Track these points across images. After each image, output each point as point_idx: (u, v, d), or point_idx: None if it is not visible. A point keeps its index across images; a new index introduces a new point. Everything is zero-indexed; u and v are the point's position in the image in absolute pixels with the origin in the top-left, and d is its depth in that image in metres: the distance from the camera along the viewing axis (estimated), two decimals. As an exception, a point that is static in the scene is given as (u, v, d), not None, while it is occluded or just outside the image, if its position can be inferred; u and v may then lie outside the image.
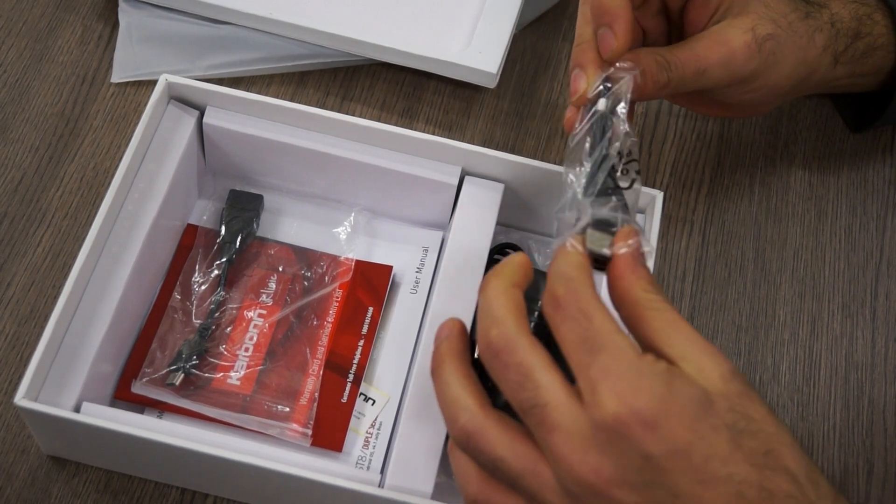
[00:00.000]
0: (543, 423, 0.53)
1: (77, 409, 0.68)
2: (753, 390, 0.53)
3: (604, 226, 0.58)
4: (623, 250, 0.56)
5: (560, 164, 0.78)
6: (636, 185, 0.62)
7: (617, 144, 0.63)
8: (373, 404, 0.75)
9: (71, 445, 0.71)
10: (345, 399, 0.74)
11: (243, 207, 0.80)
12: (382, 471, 0.70)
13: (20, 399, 0.65)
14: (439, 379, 0.59)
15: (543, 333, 0.71)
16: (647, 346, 0.54)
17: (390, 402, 0.75)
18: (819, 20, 0.79)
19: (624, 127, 0.65)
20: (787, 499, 0.51)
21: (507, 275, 0.58)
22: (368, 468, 0.72)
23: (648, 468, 0.51)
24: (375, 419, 0.74)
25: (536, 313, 0.71)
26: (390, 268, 0.79)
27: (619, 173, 0.62)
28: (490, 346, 0.56)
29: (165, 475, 0.72)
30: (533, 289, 0.72)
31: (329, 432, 0.72)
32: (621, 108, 0.66)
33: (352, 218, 0.81)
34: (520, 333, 0.56)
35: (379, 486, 0.66)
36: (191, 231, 0.79)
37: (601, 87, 0.68)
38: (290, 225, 0.81)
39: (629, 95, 0.67)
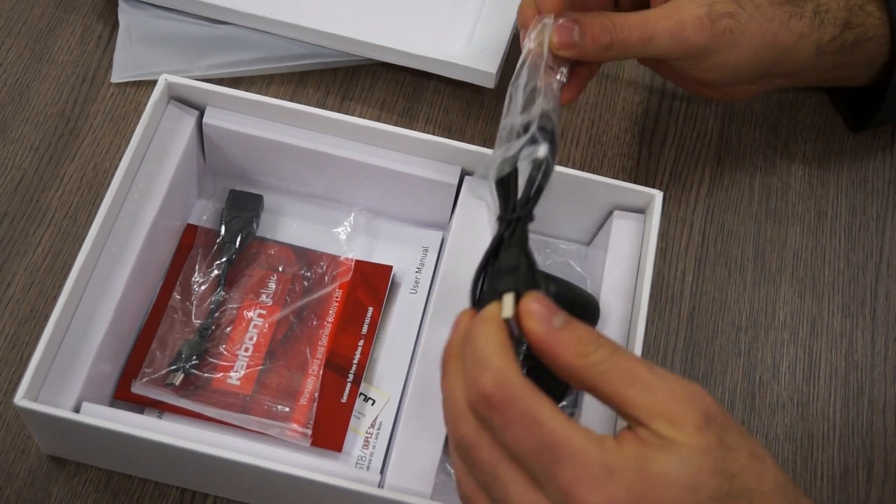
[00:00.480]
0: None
1: (77, 410, 0.68)
2: (731, 430, 0.51)
3: (507, 277, 0.55)
4: (534, 326, 0.52)
5: (559, 165, 0.78)
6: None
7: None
8: (373, 404, 0.75)
9: (71, 445, 0.71)
10: (345, 399, 0.74)
11: (243, 207, 0.80)
12: (382, 471, 0.70)
13: (20, 399, 0.65)
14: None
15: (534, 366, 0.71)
16: (614, 407, 0.52)
17: (390, 402, 0.75)
18: (801, 8, 0.79)
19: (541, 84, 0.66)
20: None
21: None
22: (368, 468, 0.72)
23: None
24: (375, 419, 0.74)
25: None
26: (390, 268, 0.79)
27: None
28: (460, 438, 0.52)
29: (165, 475, 0.72)
30: (531, 289, 0.72)
31: (329, 432, 0.72)
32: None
33: (351, 218, 0.81)
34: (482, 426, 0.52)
35: (379, 486, 0.66)
36: (191, 231, 0.79)
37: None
38: (290, 225, 0.81)
39: (546, 46, 0.70)
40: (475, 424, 0.52)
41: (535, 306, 0.53)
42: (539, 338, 0.52)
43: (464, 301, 0.73)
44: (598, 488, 0.48)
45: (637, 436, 0.50)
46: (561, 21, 0.72)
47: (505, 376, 0.51)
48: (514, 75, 0.69)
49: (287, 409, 0.73)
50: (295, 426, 0.72)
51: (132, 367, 0.73)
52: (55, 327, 0.68)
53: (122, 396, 0.73)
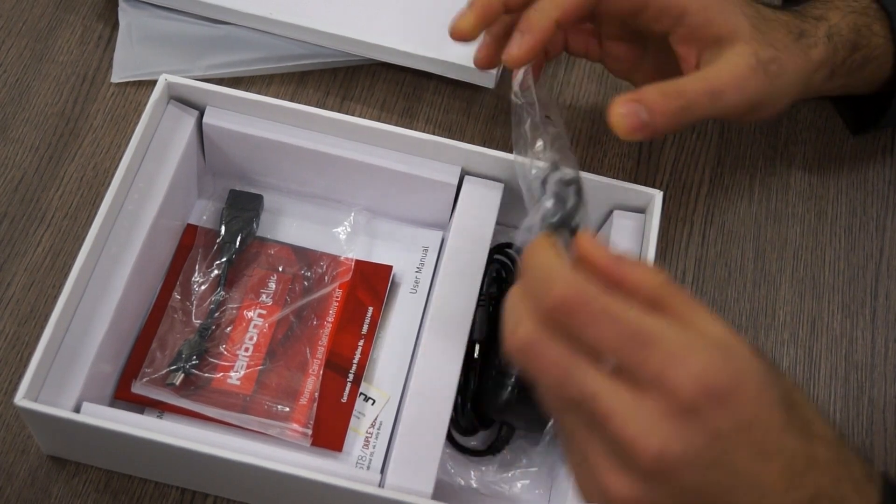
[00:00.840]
0: (596, 413, 0.51)
1: (77, 410, 0.68)
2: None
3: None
4: (599, 253, 0.53)
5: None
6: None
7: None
8: (373, 404, 0.75)
9: (71, 445, 0.71)
10: (345, 399, 0.74)
11: (243, 207, 0.80)
12: (382, 470, 0.70)
13: (20, 399, 0.65)
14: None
15: None
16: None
17: (390, 402, 0.75)
18: (814, 37, 0.79)
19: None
20: (829, 464, 0.53)
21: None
22: (368, 468, 0.72)
23: (716, 446, 0.50)
24: (375, 419, 0.74)
25: None
26: (390, 268, 0.79)
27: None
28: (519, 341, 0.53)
29: (165, 475, 0.72)
30: None
31: (329, 432, 0.72)
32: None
33: (351, 218, 0.81)
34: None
35: (379, 485, 0.66)
36: (190, 231, 0.79)
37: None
38: (290, 225, 0.81)
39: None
40: (541, 333, 0.52)
41: (591, 240, 0.54)
42: (608, 265, 0.53)
43: (464, 300, 0.73)
44: (691, 361, 0.50)
45: None
46: (622, 104, 0.71)
47: (577, 280, 0.51)
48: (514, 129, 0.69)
49: (287, 409, 0.73)
50: (295, 426, 0.72)
51: (132, 367, 0.73)
52: (55, 327, 0.68)
53: (123, 396, 0.73)
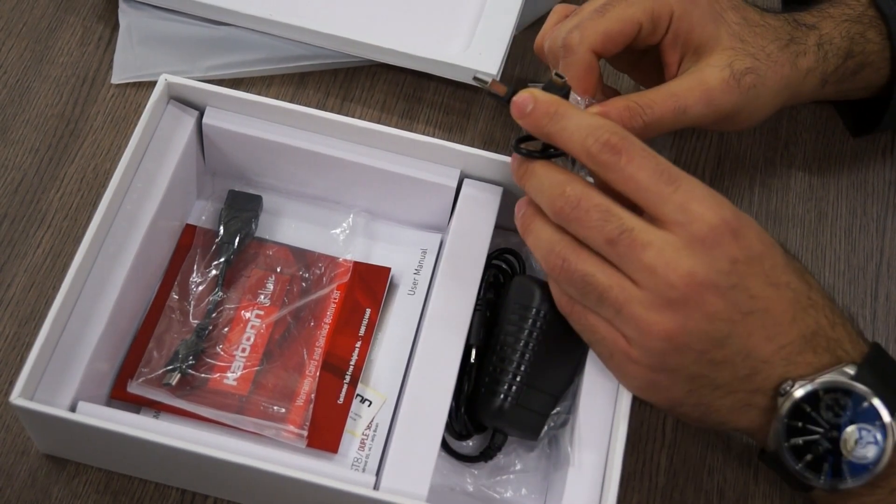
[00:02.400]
0: (634, 244, 0.62)
1: (73, 409, 0.68)
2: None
3: None
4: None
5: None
6: None
7: None
8: (369, 405, 0.75)
9: (67, 445, 0.71)
10: (341, 400, 0.74)
11: (242, 208, 0.80)
12: (378, 472, 0.70)
13: (15, 398, 0.65)
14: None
15: (547, 337, 0.71)
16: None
17: (387, 404, 0.75)
18: (804, 44, 0.79)
19: None
20: (825, 308, 0.65)
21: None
22: (364, 470, 0.72)
23: (734, 272, 0.61)
24: (372, 420, 0.74)
25: (531, 320, 0.71)
26: (388, 270, 0.79)
27: None
28: (568, 199, 0.64)
29: (161, 475, 0.72)
30: (527, 296, 0.72)
31: (325, 433, 0.72)
32: None
33: (350, 219, 0.81)
34: (588, 185, 0.65)
35: (374, 488, 0.66)
36: (189, 231, 0.79)
37: None
38: (289, 226, 0.81)
39: None
40: (582, 183, 0.65)
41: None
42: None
43: (462, 302, 0.73)
44: (709, 199, 0.63)
45: None
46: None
47: (621, 130, 0.64)
48: None
49: (283, 410, 0.73)
50: (291, 427, 0.72)
51: (129, 366, 0.74)
52: (52, 326, 0.68)
53: (119, 396, 0.73)
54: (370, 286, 0.78)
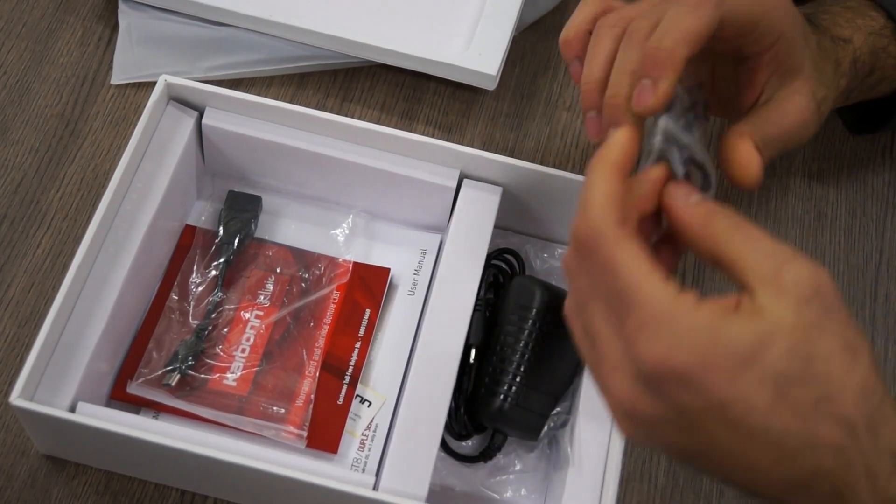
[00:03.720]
0: (593, 349, 0.54)
1: (72, 409, 0.68)
2: (836, 314, 0.51)
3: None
4: (673, 202, 0.55)
5: (558, 167, 0.78)
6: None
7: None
8: (369, 406, 0.75)
9: (66, 445, 0.72)
10: (340, 401, 0.74)
11: (242, 208, 0.80)
12: (377, 473, 0.70)
13: (15, 398, 0.65)
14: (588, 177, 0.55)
15: (546, 337, 0.71)
16: (730, 273, 0.52)
17: (386, 404, 0.75)
18: (844, 65, 0.76)
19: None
20: (836, 450, 0.50)
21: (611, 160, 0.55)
22: (364, 470, 0.72)
23: (684, 418, 0.51)
24: (371, 421, 0.74)
25: (531, 321, 0.71)
26: (388, 270, 0.79)
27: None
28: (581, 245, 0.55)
29: (160, 476, 0.72)
30: (527, 296, 0.72)
31: (324, 434, 0.72)
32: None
33: (350, 220, 0.81)
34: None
35: (373, 488, 0.66)
36: (189, 232, 0.79)
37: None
38: (289, 226, 0.81)
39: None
40: (576, 255, 0.55)
41: (678, 187, 0.55)
42: (677, 213, 0.55)
43: (461, 303, 0.73)
44: (659, 337, 0.50)
45: (732, 303, 0.51)
46: (747, 150, 0.64)
47: (595, 222, 0.53)
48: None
49: (283, 411, 0.73)
50: (290, 428, 0.72)
51: (129, 367, 0.74)
52: (51, 327, 0.68)
53: (119, 397, 0.73)
54: (370, 286, 0.78)
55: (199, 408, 0.72)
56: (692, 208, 0.54)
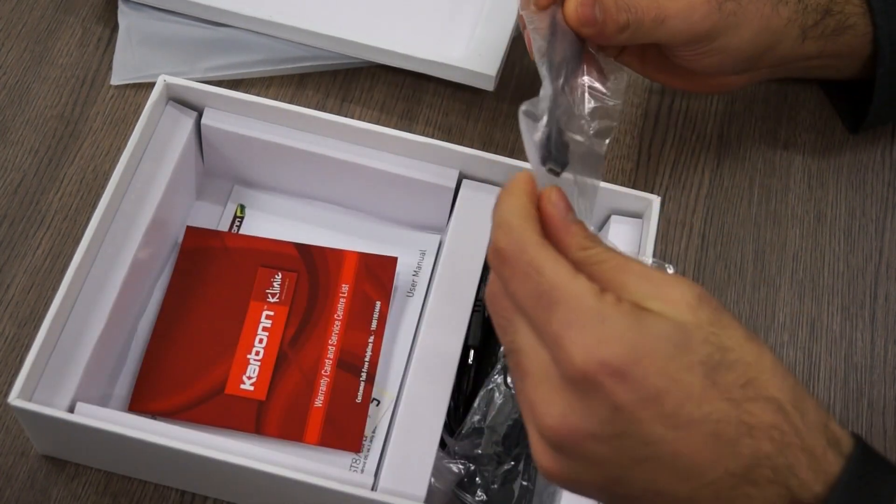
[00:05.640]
0: (518, 367, 0.52)
1: (71, 410, 0.68)
2: (726, 313, 0.51)
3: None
4: (550, 210, 0.54)
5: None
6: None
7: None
8: (377, 405, 0.74)
9: (65, 445, 0.72)
10: (359, 399, 0.73)
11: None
12: (376, 473, 0.70)
13: (14, 398, 0.65)
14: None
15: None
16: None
17: (386, 405, 0.75)
18: None
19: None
20: (771, 430, 0.50)
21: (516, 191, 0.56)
22: (363, 471, 0.72)
23: (619, 419, 0.49)
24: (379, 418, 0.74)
25: None
26: (395, 259, 0.78)
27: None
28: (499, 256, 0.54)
29: (161, 476, 0.72)
30: None
31: (346, 433, 0.72)
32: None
33: (350, 220, 0.81)
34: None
35: (372, 489, 0.66)
36: (189, 232, 0.79)
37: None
38: (288, 226, 0.81)
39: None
40: (496, 280, 0.54)
41: (557, 196, 0.55)
42: (554, 222, 0.54)
43: (461, 304, 0.73)
44: (588, 332, 0.49)
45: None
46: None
47: (517, 234, 0.53)
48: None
49: (303, 414, 0.73)
50: (311, 430, 0.72)
51: (145, 376, 0.74)
52: (50, 327, 0.68)
53: (138, 408, 0.72)
54: (378, 277, 0.77)
55: (217, 420, 0.73)
56: (572, 227, 0.54)
